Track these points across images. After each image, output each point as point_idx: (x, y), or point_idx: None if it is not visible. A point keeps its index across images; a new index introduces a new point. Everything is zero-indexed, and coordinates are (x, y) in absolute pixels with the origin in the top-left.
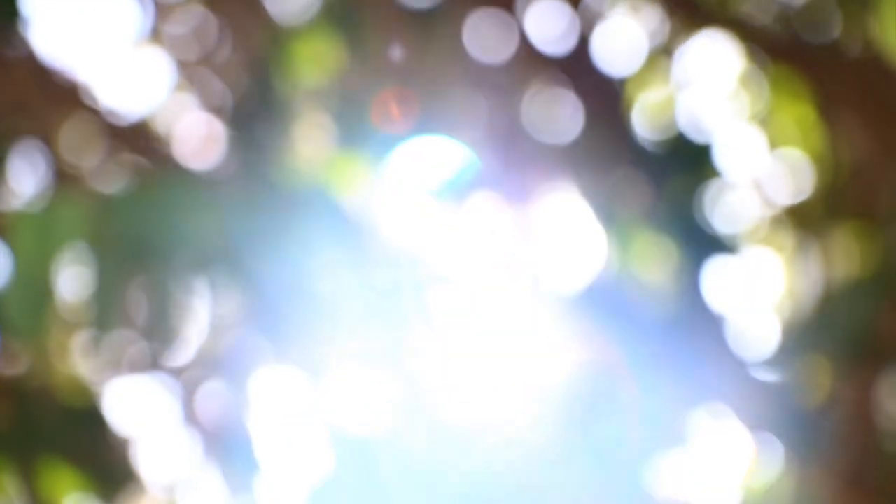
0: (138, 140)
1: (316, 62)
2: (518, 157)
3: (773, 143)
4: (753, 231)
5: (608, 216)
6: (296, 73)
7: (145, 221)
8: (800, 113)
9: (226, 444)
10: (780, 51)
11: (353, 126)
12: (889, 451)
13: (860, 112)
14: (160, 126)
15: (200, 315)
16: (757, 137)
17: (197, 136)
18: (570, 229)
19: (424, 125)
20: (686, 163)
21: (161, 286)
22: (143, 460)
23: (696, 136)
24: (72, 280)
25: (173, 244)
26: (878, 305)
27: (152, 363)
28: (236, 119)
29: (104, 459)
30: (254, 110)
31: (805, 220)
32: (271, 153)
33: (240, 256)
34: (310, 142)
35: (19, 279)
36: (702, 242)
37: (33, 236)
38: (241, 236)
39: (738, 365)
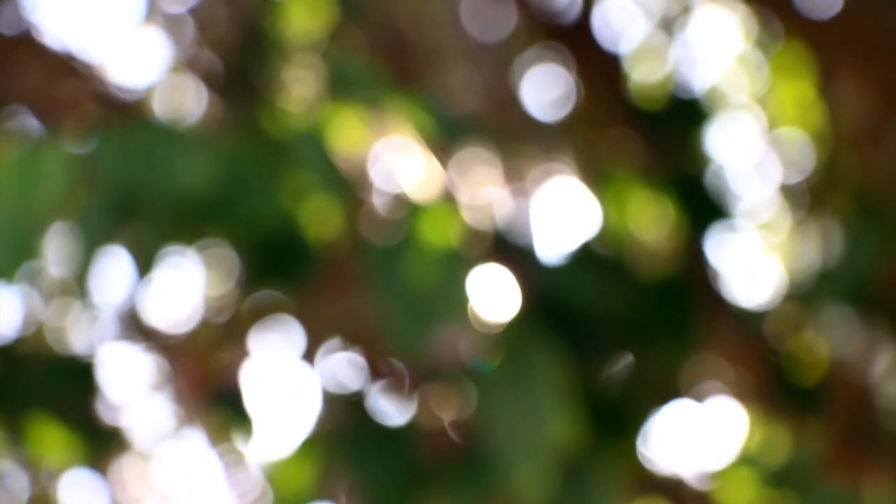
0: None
1: (309, 13)
2: (513, 119)
3: (773, 122)
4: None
5: (605, 176)
6: (289, 23)
7: (132, 169)
8: (800, 92)
9: (216, 400)
10: (784, 13)
11: (345, 77)
12: (885, 408)
13: (864, 74)
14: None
15: (189, 266)
16: (756, 116)
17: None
18: (566, 192)
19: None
20: (684, 122)
21: (149, 236)
22: (132, 417)
23: (695, 96)
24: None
25: (161, 192)
26: (878, 258)
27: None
28: (228, 68)
29: (92, 416)
30: (245, 59)
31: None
32: (262, 102)
33: (229, 205)
34: (301, 92)
35: (4, 226)
36: (700, 202)
37: (18, 182)
38: (231, 185)
39: (737, 324)
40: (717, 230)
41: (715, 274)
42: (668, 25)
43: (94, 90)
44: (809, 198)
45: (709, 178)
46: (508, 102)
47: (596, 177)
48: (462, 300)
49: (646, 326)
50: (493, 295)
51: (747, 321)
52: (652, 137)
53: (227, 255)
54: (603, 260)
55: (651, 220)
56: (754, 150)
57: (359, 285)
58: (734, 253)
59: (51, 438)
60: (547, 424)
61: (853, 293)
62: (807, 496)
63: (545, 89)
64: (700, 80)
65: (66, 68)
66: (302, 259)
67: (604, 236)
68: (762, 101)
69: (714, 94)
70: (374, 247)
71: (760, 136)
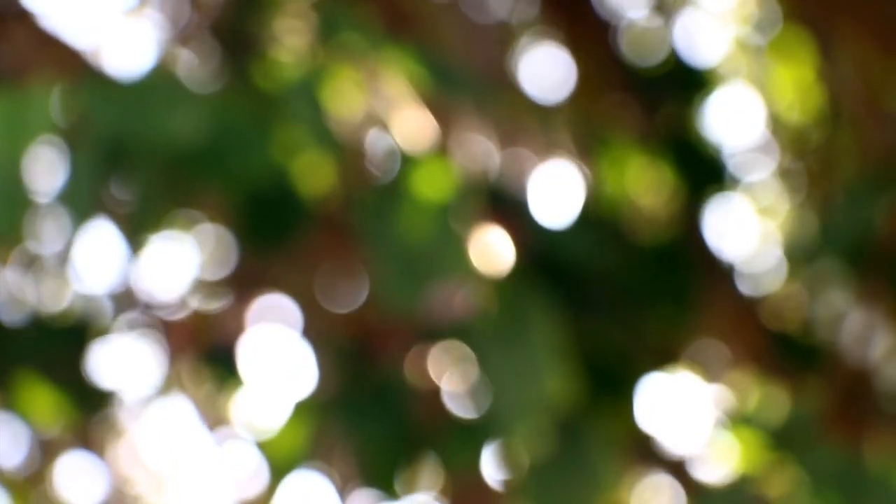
0: None
1: None
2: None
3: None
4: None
5: (603, 142)
6: None
7: (122, 120)
8: (799, 74)
9: (207, 359)
10: None
11: (338, 28)
12: (884, 369)
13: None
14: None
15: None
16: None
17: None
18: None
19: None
20: (682, 87)
21: (139, 185)
22: (122, 377)
23: (693, 63)
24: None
25: (151, 144)
26: (880, 213)
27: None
28: (220, 20)
29: (82, 377)
30: (238, 10)
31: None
32: (254, 54)
33: (220, 158)
34: (294, 43)
35: None
36: (698, 167)
37: (5, 133)
38: (222, 137)
39: (734, 287)
40: (714, 195)
41: (712, 238)
42: (667, 8)
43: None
44: (808, 179)
45: (706, 144)
46: (506, 82)
47: (593, 143)
48: (457, 255)
49: (643, 289)
50: (489, 251)
51: (744, 284)
52: (650, 103)
53: (220, 212)
54: (600, 223)
55: (648, 186)
56: (753, 131)
57: (352, 241)
58: (731, 217)
59: (40, 399)
60: (543, 381)
61: (853, 251)
62: (805, 456)
63: (543, 68)
64: (699, 52)
65: (55, 42)
66: (294, 214)
67: (601, 201)
68: (761, 84)
69: (713, 70)
70: (367, 201)
71: (760, 117)
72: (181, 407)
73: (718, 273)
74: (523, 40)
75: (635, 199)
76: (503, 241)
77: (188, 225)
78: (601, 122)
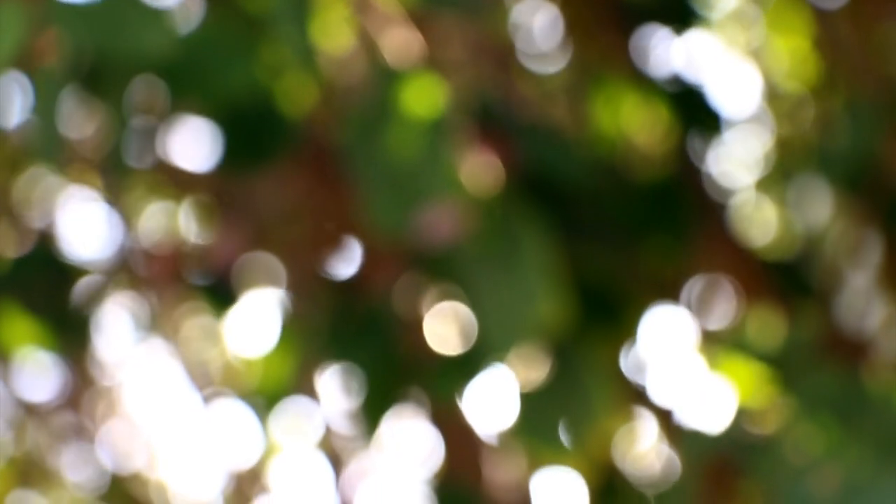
0: None
1: None
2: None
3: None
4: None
5: (597, 79)
6: None
7: (97, 34)
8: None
9: (192, 284)
10: None
11: None
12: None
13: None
14: None
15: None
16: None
17: None
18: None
19: None
20: (676, 23)
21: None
22: (106, 309)
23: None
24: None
25: (127, 59)
26: (879, 134)
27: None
28: None
29: (65, 309)
30: None
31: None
32: None
33: (199, 74)
34: None
35: None
36: (693, 105)
37: None
38: (202, 54)
39: (728, 224)
40: (709, 133)
41: (706, 176)
42: None
43: None
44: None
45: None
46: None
47: (588, 80)
48: (446, 175)
49: (637, 221)
50: (478, 171)
51: (738, 219)
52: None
53: (201, 132)
54: (594, 159)
55: (643, 124)
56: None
57: (337, 162)
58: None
59: (21, 332)
60: (534, 304)
61: (851, 176)
62: (802, 382)
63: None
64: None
65: None
66: (277, 133)
67: (595, 139)
68: (757, 55)
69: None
70: (353, 119)
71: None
72: (166, 357)
73: (713, 209)
74: None
75: (630, 137)
76: (493, 162)
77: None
78: (596, 60)
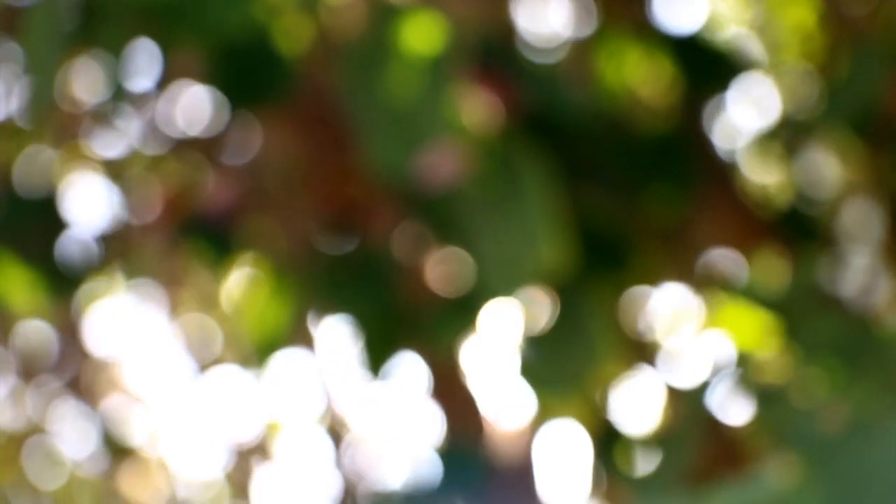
0: None
1: None
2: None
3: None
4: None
5: (601, 34)
6: None
7: None
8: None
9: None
10: None
11: None
12: None
13: None
14: None
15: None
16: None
17: None
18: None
19: None
20: None
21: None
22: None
23: None
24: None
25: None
26: (882, 79)
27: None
28: None
29: (59, 255)
30: None
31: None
32: None
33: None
34: None
35: None
36: (698, 58)
37: None
38: None
39: (732, 175)
40: (714, 87)
41: (711, 128)
42: None
43: None
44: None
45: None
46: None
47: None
48: (447, 114)
49: (641, 173)
50: (479, 109)
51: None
52: None
53: (199, 71)
54: (599, 112)
55: (648, 78)
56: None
57: (336, 102)
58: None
59: (15, 277)
60: (536, 247)
61: (856, 119)
62: (806, 325)
63: None
64: None
65: None
66: (274, 73)
67: (600, 91)
68: (761, 31)
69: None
70: (351, 58)
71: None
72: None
73: (716, 161)
74: None
75: (634, 91)
76: (494, 102)
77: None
78: (601, 13)
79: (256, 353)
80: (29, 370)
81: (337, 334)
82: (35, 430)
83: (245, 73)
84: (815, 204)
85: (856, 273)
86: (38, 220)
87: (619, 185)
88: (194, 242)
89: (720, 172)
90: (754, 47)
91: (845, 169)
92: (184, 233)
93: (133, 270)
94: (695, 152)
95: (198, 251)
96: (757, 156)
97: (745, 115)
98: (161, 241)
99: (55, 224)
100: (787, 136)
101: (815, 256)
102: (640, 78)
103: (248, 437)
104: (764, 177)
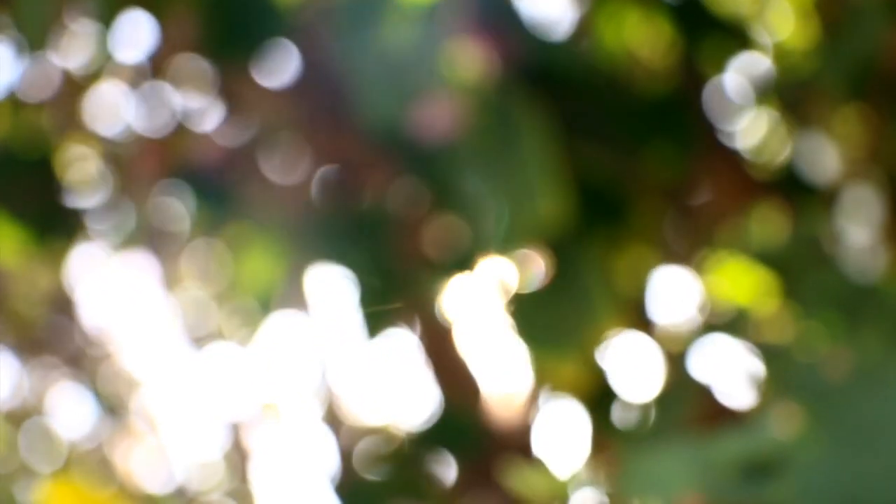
0: None
1: None
2: None
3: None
4: None
5: None
6: None
7: None
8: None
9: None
10: None
11: None
12: None
13: None
14: None
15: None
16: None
17: None
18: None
19: None
20: None
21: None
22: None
23: None
24: None
25: None
26: (882, 35)
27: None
28: None
29: (52, 212)
30: None
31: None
32: None
33: None
34: None
35: None
36: (697, 21)
37: None
38: None
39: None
40: (713, 49)
41: (709, 89)
42: None
43: None
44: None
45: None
46: None
47: None
48: (443, 65)
49: (639, 133)
50: (476, 60)
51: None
52: None
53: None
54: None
55: (646, 39)
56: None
57: (330, 53)
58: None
59: (6, 234)
60: (533, 201)
61: (854, 76)
62: (806, 279)
63: None
64: None
65: None
66: (267, 22)
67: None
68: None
69: None
70: (345, 7)
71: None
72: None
73: (714, 121)
74: None
75: (633, 52)
76: (491, 53)
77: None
78: None
79: (251, 313)
80: (24, 344)
81: (332, 294)
82: (32, 410)
83: (237, 26)
84: (814, 161)
85: (855, 229)
86: (32, 179)
87: (617, 142)
88: (185, 195)
89: (718, 133)
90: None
91: (844, 126)
92: (175, 184)
93: (126, 231)
94: (693, 113)
95: (188, 204)
96: (756, 116)
97: (743, 75)
98: (152, 192)
99: (48, 184)
100: (784, 94)
101: (814, 212)
102: (639, 40)
103: (246, 414)
104: (763, 137)
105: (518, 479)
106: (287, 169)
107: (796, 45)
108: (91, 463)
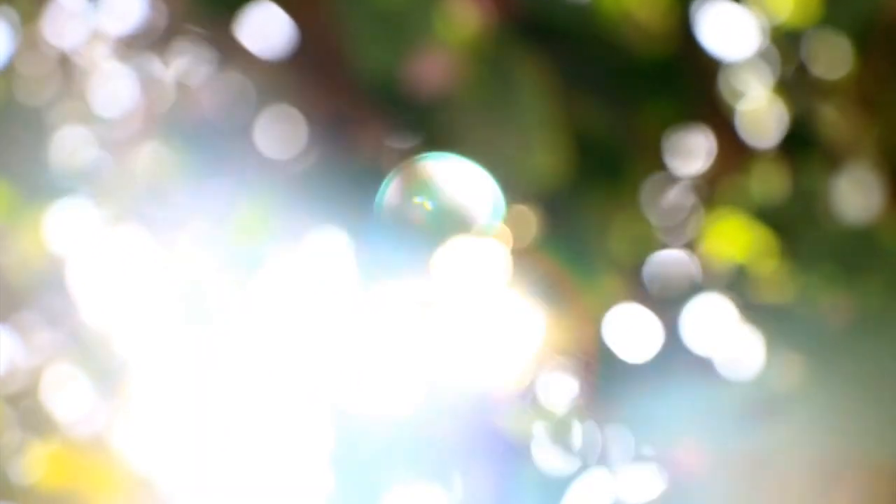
0: None
1: None
2: None
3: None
4: None
5: None
6: None
7: None
8: None
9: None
10: None
11: None
12: None
13: None
14: None
15: None
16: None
17: None
18: None
19: None
20: None
21: None
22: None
23: None
24: None
25: None
26: None
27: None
28: None
29: (39, 168)
30: None
31: None
32: None
33: None
34: None
35: None
36: None
37: None
38: None
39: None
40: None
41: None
42: None
43: None
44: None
45: None
46: None
47: None
48: (438, 16)
49: (638, 91)
50: (472, 10)
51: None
52: None
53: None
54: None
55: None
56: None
57: (325, 7)
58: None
59: None
60: (531, 154)
61: (856, 28)
62: (805, 233)
63: None
64: None
65: None
66: None
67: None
68: None
69: None
70: None
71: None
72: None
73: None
74: None
75: (631, 13)
76: (489, 4)
77: None
78: None
79: (242, 266)
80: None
81: (326, 250)
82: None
83: None
84: (813, 116)
85: (853, 184)
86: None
87: (614, 98)
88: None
89: (717, 92)
90: None
91: (844, 80)
92: (168, 136)
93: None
94: (691, 74)
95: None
96: (755, 72)
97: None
98: (144, 145)
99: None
100: (785, 47)
101: (813, 169)
102: (637, 2)
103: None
104: (763, 92)
105: None
106: (281, 128)
107: None
108: (87, 440)
